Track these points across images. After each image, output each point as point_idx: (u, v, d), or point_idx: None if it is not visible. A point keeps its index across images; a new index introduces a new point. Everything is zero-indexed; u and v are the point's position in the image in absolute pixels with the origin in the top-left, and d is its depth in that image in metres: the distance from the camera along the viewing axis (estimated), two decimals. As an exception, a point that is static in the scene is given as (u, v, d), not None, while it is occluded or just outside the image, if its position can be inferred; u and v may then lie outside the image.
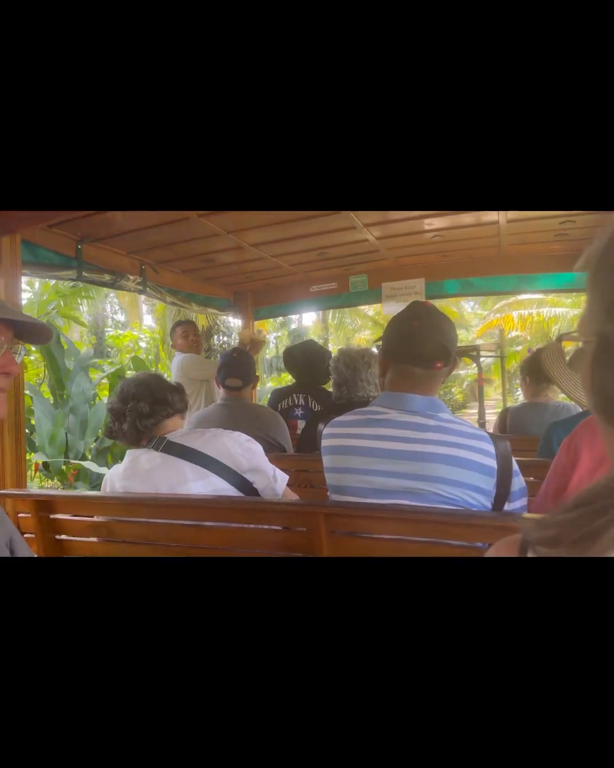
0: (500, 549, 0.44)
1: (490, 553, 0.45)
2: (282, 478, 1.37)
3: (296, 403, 2.60)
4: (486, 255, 2.87)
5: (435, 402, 1.04)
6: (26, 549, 0.80)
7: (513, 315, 12.15)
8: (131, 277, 2.55)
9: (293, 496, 1.43)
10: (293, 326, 16.80)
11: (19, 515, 1.45)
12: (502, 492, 1.00)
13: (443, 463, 0.97)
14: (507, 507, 1.03)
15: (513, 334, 12.73)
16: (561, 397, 2.34)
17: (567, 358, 1.30)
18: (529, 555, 0.40)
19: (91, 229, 2.18)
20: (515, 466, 1.03)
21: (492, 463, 0.98)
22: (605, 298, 0.36)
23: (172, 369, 3.23)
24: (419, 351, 1.04)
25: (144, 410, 1.28)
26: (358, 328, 14.79)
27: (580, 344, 0.41)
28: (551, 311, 11.73)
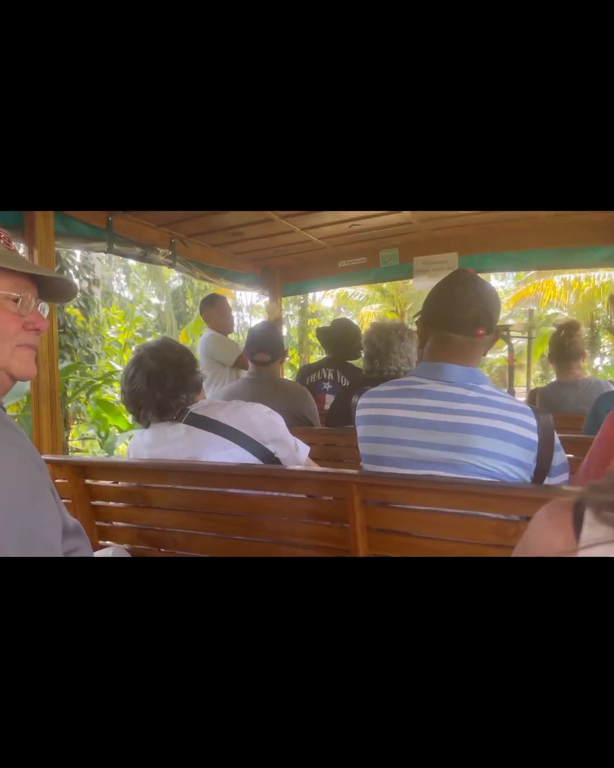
0: (552, 511, 0.42)
1: (541, 515, 0.43)
2: (304, 449, 1.38)
3: (324, 377, 2.60)
4: (524, 227, 2.77)
5: (475, 373, 1.02)
6: (62, 506, 0.82)
7: (555, 280, 9.82)
8: (161, 251, 2.55)
9: (316, 467, 1.43)
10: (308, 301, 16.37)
11: (57, 481, 1.49)
12: (543, 466, 0.98)
13: (483, 435, 0.95)
14: (547, 482, 1.01)
15: (552, 311, 11.18)
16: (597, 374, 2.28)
17: None
18: (586, 517, 0.39)
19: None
20: (557, 441, 1.00)
21: (534, 436, 0.96)
22: None
23: (199, 345, 3.20)
24: (461, 316, 1.00)
25: (175, 390, 1.24)
26: (365, 300, 13.35)
27: None
28: (608, 275, 8.85)
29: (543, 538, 0.40)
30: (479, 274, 1.08)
